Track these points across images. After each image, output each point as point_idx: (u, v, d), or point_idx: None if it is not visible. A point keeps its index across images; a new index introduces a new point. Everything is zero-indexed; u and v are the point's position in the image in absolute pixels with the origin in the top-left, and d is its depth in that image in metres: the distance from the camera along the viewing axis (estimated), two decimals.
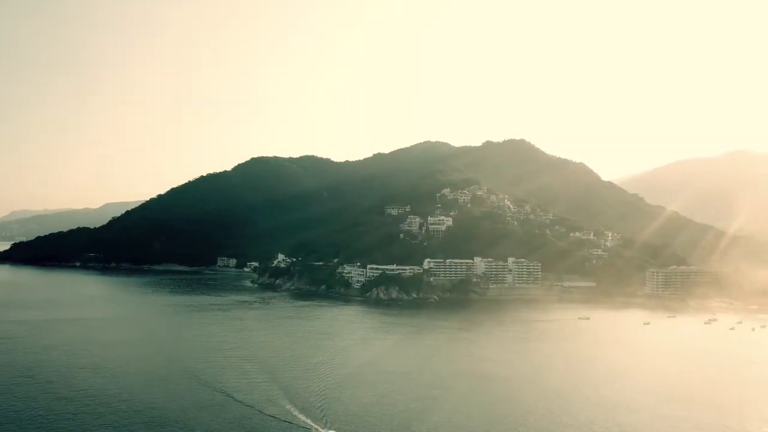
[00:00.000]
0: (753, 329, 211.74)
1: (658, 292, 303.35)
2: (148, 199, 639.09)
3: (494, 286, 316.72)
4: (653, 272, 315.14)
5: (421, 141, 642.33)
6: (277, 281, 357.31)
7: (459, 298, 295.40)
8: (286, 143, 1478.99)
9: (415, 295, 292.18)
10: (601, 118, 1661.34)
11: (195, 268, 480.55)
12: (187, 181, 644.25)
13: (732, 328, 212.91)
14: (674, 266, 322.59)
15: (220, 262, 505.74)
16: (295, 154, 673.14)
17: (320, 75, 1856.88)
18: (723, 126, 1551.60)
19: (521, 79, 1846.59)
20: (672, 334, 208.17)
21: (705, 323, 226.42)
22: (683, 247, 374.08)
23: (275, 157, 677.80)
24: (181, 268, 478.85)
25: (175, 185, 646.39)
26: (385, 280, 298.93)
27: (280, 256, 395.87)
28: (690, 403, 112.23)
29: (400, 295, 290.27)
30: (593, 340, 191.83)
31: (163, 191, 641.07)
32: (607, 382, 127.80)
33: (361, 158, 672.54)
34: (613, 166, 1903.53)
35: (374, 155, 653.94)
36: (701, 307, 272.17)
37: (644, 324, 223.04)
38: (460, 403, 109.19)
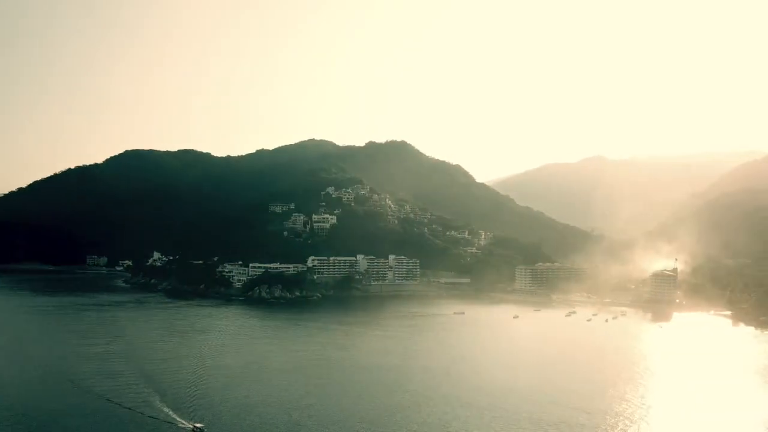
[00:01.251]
0: (606, 320, 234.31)
1: (526, 288, 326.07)
2: (7, 192, 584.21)
3: (376, 282, 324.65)
4: (522, 269, 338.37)
5: (306, 139, 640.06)
6: (153, 281, 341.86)
7: (342, 296, 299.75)
8: (163, 136, 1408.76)
9: (298, 294, 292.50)
10: (477, 123, 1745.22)
11: (62, 267, 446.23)
12: (51, 174, 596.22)
13: (589, 320, 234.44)
14: (540, 263, 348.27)
15: (89, 261, 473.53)
16: (173, 148, 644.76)
17: (199, 68, 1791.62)
18: (584, 133, 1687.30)
19: (402, 82, 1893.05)
20: (537, 326, 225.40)
21: (566, 316, 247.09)
22: (548, 245, 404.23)
23: (151, 150, 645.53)
24: (47, 267, 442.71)
25: (37, 178, 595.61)
26: (267, 278, 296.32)
27: (156, 255, 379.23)
28: (545, 382, 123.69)
29: (283, 294, 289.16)
30: (467, 333, 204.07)
31: (23, 184, 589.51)
32: (474, 371, 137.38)
33: (244, 154, 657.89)
34: (488, 168, 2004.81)
35: (257, 151, 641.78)
36: (563, 301, 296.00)
37: (514, 317, 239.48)
38: (337, 394, 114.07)
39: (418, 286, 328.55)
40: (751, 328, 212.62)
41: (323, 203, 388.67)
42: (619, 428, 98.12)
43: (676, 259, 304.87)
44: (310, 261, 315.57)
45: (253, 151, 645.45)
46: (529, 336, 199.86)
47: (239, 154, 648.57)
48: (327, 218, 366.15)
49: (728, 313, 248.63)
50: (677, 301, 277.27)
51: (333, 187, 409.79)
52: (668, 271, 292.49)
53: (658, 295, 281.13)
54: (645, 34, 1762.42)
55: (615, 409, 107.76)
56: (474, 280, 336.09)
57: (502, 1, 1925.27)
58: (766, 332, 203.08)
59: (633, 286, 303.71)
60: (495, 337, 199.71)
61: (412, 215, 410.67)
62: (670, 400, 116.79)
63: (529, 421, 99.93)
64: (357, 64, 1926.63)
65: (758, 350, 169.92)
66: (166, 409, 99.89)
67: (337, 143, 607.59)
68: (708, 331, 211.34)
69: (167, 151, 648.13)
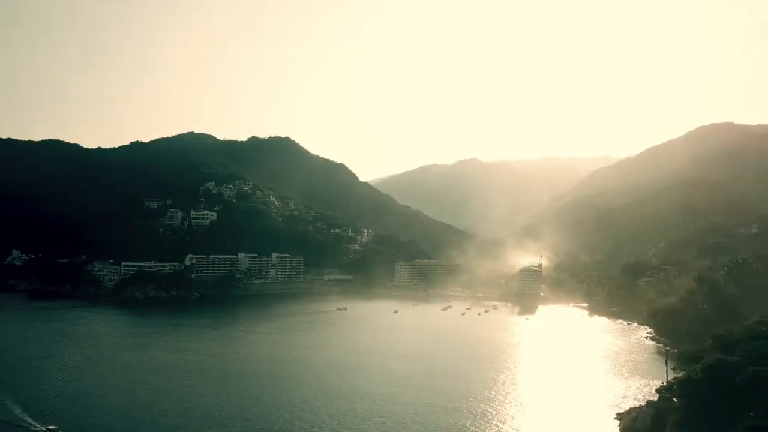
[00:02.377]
0: (479, 314, 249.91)
1: (406, 284, 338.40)
2: None
3: (258, 281, 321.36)
4: (401, 265, 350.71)
5: (185, 131, 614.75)
6: (10, 281, 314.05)
7: (222, 295, 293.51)
8: (25, 124, 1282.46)
9: (174, 293, 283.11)
10: (360, 123, 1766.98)
11: None
12: None
13: (463, 314, 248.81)
14: (419, 260, 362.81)
15: None
16: (36, 137, 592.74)
17: (67, 56, 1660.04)
18: (460, 136, 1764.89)
19: (287, 78, 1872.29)
20: (415, 319, 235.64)
21: (442, 310, 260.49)
22: (426, 242, 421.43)
23: (10, 139, 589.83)
24: None
25: None
26: (141, 277, 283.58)
27: (15, 253, 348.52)
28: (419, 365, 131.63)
29: (158, 294, 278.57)
30: (349, 328, 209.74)
31: None
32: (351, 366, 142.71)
33: (117, 146, 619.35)
34: (370, 168, 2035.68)
35: (132, 143, 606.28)
36: (440, 296, 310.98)
37: (394, 312, 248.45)
38: (211, 392, 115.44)
39: (302, 284, 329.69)
40: (604, 318, 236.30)
41: (202, 199, 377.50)
42: (489, 411, 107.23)
43: (541, 256, 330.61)
44: (188, 259, 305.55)
45: (127, 143, 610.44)
46: (408, 329, 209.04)
47: (112, 146, 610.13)
48: (206, 215, 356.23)
49: (585, 304, 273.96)
50: (542, 294, 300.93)
51: (213, 183, 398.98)
52: (534, 267, 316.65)
53: (525, 290, 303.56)
54: (512, 48, 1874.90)
55: (486, 395, 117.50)
56: (357, 276, 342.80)
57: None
58: (615, 321, 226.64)
59: (503, 281, 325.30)
60: (376, 330, 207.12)
61: (296, 213, 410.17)
62: (533, 384, 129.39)
63: (412, 408, 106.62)
64: (240, 57, 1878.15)
65: (607, 338, 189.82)
66: (19, 413, 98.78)
67: (218, 137, 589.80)
68: (567, 321, 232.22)
69: (29, 140, 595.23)
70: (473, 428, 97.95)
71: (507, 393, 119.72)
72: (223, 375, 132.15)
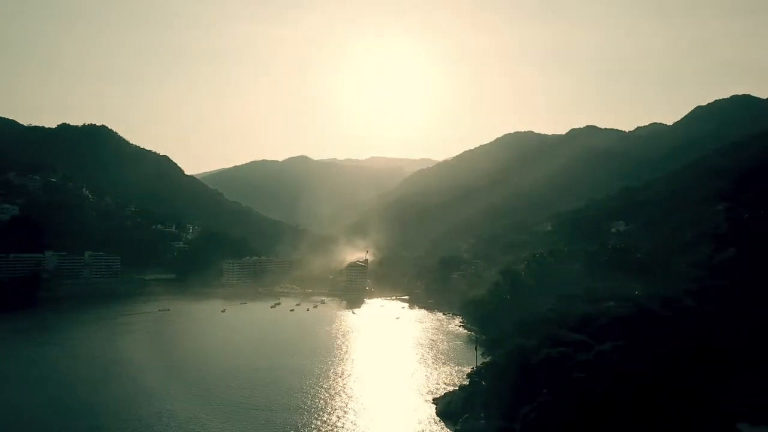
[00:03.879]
0: (308, 309, 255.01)
1: (235, 282, 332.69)
2: None
3: (69, 282, 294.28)
4: (230, 263, 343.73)
5: None
6: None
7: (24, 298, 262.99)
8: None
9: None
10: (187, 113, 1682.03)
11: None
12: None
13: (292, 310, 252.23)
14: (248, 257, 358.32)
15: None
16: None
17: None
18: (289, 132, 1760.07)
19: (101, 61, 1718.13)
20: (244, 318, 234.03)
21: (271, 307, 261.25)
22: (256, 239, 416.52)
23: None
24: None
25: None
26: None
27: None
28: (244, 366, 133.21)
29: None
30: (172, 330, 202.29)
31: None
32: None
33: None
34: (197, 161, 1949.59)
35: None
36: (270, 293, 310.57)
37: (221, 312, 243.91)
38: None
39: (120, 285, 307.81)
40: (423, 310, 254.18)
41: (2, 191, 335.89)
42: (314, 404, 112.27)
43: (367, 252, 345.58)
44: None
45: None
46: (235, 328, 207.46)
47: None
48: (6, 208, 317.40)
49: (406, 297, 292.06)
50: (368, 288, 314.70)
51: (15, 173, 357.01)
52: (360, 262, 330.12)
53: (352, 284, 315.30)
54: (340, 50, 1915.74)
55: (311, 388, 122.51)
56: (182, 276, 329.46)
57: None
58: (433, 312, 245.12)
59: (332, 277, 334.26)
60: (201, 332, 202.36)
61: (113, 207, 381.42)
62: (357, 374, 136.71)
63: (241, 405, 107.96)
64: (51, 37, 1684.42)
65: (426, 328, 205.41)
66: None
67: (21, 122, 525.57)
68: (390, 313, 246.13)
69: None
70: (297, 422, 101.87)
71: (332, 385, 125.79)
72: None
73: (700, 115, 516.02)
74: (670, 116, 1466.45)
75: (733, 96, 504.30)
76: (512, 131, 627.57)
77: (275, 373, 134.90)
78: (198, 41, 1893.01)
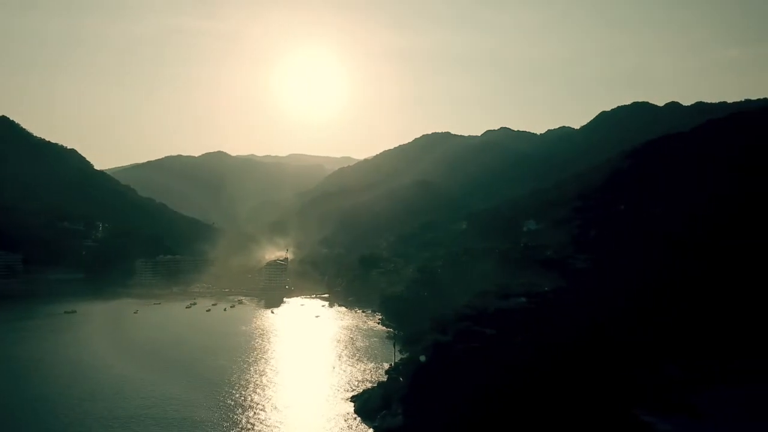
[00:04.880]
0: (225, 309, 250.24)
1: (148, 281, 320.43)
2: None
3: None
4: (142, 262, 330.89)
5: None
6: None
7: None
8: None
9: None
10: (97, 106, 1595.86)
11: None
12: None
13: (208, 310, 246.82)
14: (162, 256, 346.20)
15: None
16: None
17: None
18: (205, 127, 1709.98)
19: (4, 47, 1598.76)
20: (157, 319, 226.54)
21: (186, 307, 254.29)
22: (171, 237, 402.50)
23: None
24: None
25: None
26: None
27: None
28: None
29: None
30: (79, 334, 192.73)
31: None
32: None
33: None
34: (108, 156, 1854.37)
35: None
36: (185, 293, 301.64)
37: (134, 313, 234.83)
38: None
39: (21, 285, 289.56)
40: (343, 308, 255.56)
41: None
42: (232, 403, 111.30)
43: (287, 250, 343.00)
44: None
45: None
46: (148, 329, 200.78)
47: None
48: None
49: (326, 295, 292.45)
50: (287, 287, 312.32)
51: None
52: (280, 260, 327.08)
53: (271, 283, 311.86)
54: (253, 45, 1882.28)
55: (227, 387, 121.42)
56: (91, 275, 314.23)
57: None
58: (353, 310, 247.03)
59: (250, 276, 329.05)
60: (110, 334, 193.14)
61: (12, 203, 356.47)
62: (276, 374, 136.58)
63: (150, 412, 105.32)
64: None
65: (346, 326, 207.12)
66: None
67: None
68: (310, 311, 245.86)
69: None
70: (216, 419, 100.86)
71: (250, 384, 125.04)
72: None
73: (604, 119, 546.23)
74: (578, 120, 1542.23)
75: (634, 102, 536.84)
76: (430, 132, 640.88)
77: (187, 374, 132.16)
78: (112, 31, 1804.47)
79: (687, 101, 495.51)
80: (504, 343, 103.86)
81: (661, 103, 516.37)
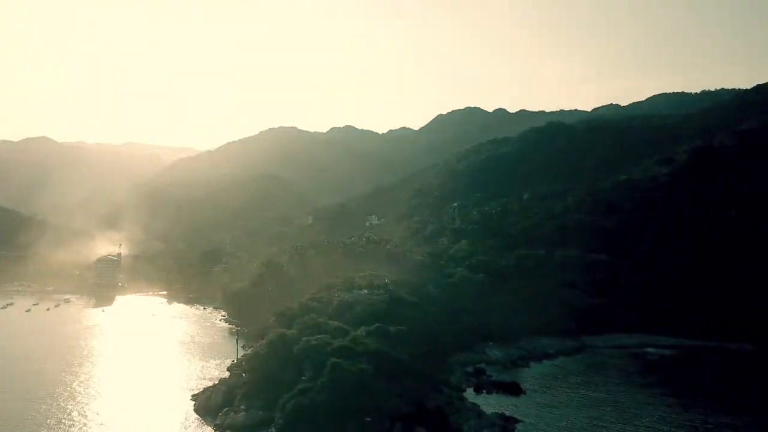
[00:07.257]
0: (48, 309, 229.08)
1: None
2: None
3: None
4: None
5: None
6: None
7: None
8: None
9: None
10: None
11: None
12: None
13: (28, 310, 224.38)
14: None
15: None
16: None
17: None
18: (25, 109, 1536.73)
19: None
20: None
21: (1, 308, 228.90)
22: None
23: None
24: None
25: None
26: None
27: None
28: None
29: None
30: None
31: None
32: None
33: None
34: None
35: None
36: (0, 292, 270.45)
37: None
38: None
39: None
40: (182, 305, 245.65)
41: None
42: (62, 409, 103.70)
43: (120, 245, 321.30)
44: None
45: None
46: None
47: None
48: None
49: (164, 292, 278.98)
50: (120, 284, 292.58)
51: None
52: (112, 256, 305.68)
53: (102, 280, 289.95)
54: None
55: (56, 393, 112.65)
56: None
57: None
58: (193, 307, 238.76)
59: (78, 272, 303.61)
60: None
61: None
62: (109, 376, 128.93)
63: None
64: None
65: (185, 323, 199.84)
66: None
67: None
68: (146, 310, 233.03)
69: None
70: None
71: (81, 388, 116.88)
72: None
73: (440, 122, 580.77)
74: (417, 121, 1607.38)
75: (467, 107, 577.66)
76: (276, 126, 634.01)
77: (10, 380, 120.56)
78: None
79: (512, 108, 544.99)
80: (347, 335, 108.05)
81: (490, 108, 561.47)
